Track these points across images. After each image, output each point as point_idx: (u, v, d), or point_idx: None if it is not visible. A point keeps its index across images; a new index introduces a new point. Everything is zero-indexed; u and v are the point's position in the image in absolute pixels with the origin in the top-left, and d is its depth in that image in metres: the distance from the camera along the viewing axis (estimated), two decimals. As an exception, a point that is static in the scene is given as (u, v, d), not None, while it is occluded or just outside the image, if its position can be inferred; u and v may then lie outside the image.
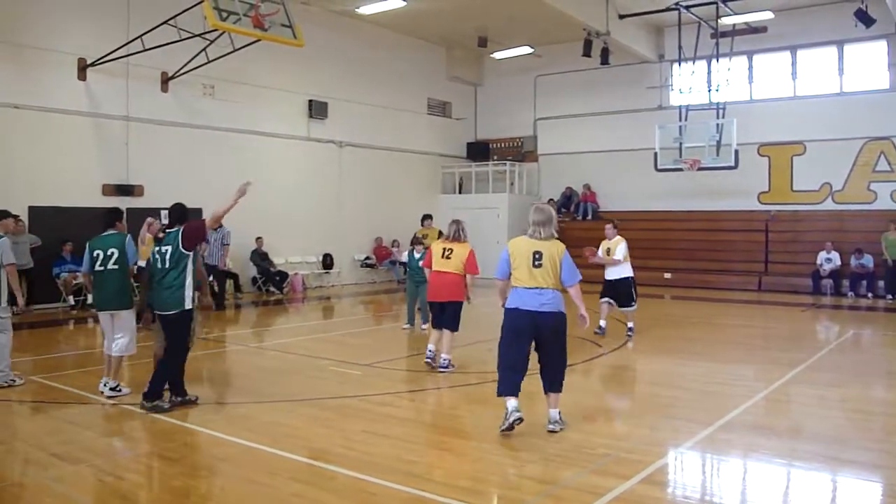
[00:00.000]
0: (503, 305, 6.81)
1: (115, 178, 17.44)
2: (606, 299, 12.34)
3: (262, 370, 9.79)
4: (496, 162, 26.96)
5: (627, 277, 12.30)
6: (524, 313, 6.57)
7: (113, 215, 8.59)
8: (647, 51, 24.12)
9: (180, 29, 15.74)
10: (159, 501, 5.24)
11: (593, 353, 11.11)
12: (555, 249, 6.68)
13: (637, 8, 21.77)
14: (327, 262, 22.26)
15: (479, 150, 27.86)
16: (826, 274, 19.91)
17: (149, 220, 11.85)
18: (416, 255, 12.47)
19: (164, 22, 15.61)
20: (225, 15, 14.67)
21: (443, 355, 9.43)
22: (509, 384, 6.61)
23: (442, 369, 9.31)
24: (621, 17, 21.92)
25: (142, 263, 11.83)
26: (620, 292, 12.28)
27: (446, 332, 9.46)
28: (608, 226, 12.72)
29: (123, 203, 17.05)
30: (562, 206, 25.92)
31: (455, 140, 27.56)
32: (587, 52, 21.65)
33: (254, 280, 19.43)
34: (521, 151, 27.53)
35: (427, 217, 15.66)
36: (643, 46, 23.85)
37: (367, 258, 23.35)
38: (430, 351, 9.69)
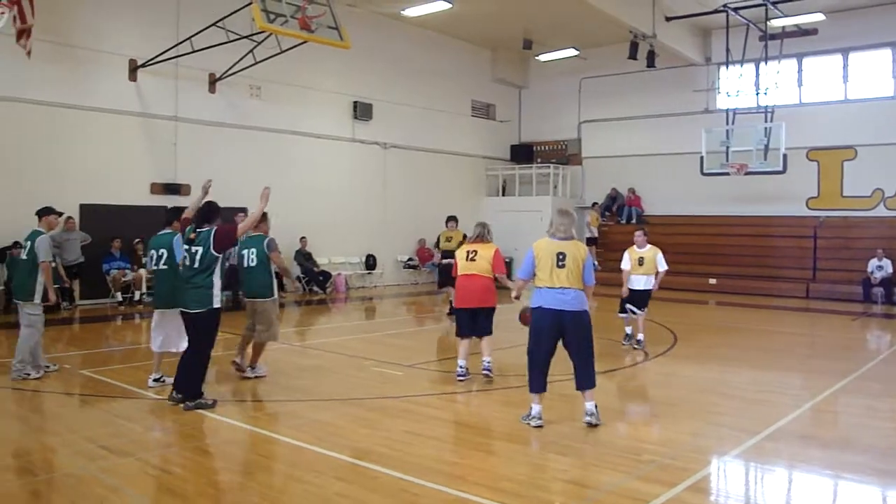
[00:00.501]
0: (515, 297, 7.37)
1: (163, 177, 17.73)
2: (629, 306, 11.74)
3: (306, 369, 9.86)
4: (540, 164, 26.86)
5: (650, 290, 11.68)
6: (548, 312, 6.82)
7: (171, 214, 8.70)
8: (694, 53, 23.87)
9: (228, 31, 15.93)
10: (205, 496, 5.30)
11: (636, 358, 11.02)
12: (578, 251, 6.93)
13: (684, 10, 21.55)
14: (370, 262, 22.37)
15: (522, 153, 27.79)
16: (877, 282, 19.51)
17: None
18: None
19: (213, 24, 15.81)
20: (272, 17, 14.82)
21: (486, 358, 9.10)
22: (537, 382, 6.91)
23: (486, 372, 8.99)
24: (668, 19, 21.71)
25: None
26: (641, 300, 11.66)
27: (485, 337, 9.09)
28: (638, 232, 11.96)
29: (171, 202, 17.24)
30: (606, 208, 25.74)
31: (499, 142, 27.54)
32: (633, 55, 21.47)
33: (297, 279, 19.58)
34: (565, 154, 27.40)
35: (451, 219, 15.17)
36: (690, 49, 23.60)
37: (410, 260, 23.41)
38: (461, 368, 9.02)
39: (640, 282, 11.61)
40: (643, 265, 11.55)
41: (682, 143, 23.55)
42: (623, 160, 25.94)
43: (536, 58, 26.34)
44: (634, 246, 11.72)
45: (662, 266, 11.59)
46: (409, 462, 5.93)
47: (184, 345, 8.01)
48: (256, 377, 9.07)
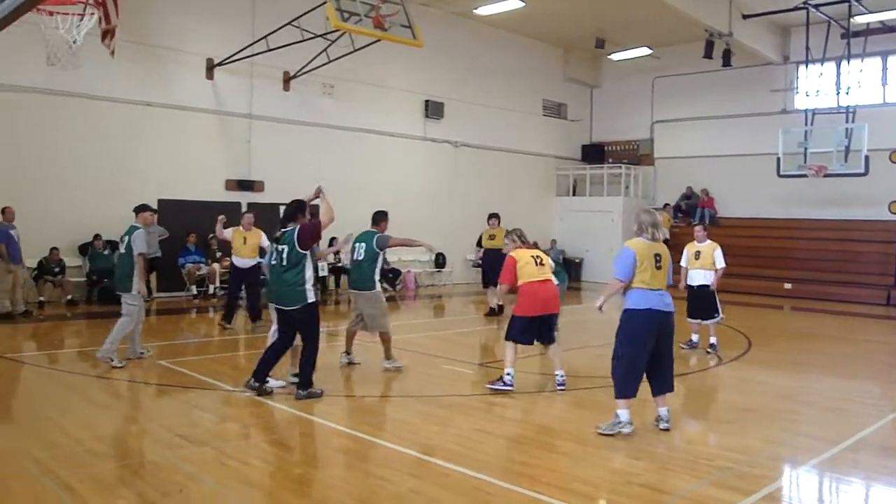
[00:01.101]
0: (600, 306, 6.89)
1: (237, 173, 18.08)
2: (690, 320, 11.49)
3: (377, 365, 9.92)
4: (611, 165, 26.56)
5: (709, 286, 11.34)
6: (656, 314, 6.63)
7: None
8: (772, 52, 23.30)
9: (303, 30, 16.15)
10: (282, 488, 5.38)
11: (710, 362, 10.81)
12: (666, 252, 6.86)
13: (762, 7, 21.05)
14: (440, 261, 22.43)
15: (594, 153, 27.53)
16: (962, 289, 18.79)
17: (221, 217, 12.31)
18: None
19: (288, 23, 16.03)
20: (346, 16, 14.96)
21: (559, 371, 8.53)
22: (633, 388, 6.68)
23: (561, 387, 8.50)
24: (745, 17, 21.26)
25: (237, 261, 12.38)
26: (701, 302, 11.37)
27: (553, 346, 8.62)
28: (698, 227, 12.01)
29: (244, 198, 17.68)
30: (677, 209, 25.34)
31: (570, 142, 27.33)
32: (709, 54, 21.06)
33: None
34: (637, 154, 27.05)
35: (493, 216, 14.84)
36: (767, 47, 23.05)
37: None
38: (511, 377, 8.34)
39: (697, 277, 11.38)
40: (699, 259, 11.36)
41: (757, 143, 23.00)
42: (696, 161, 25.48)
43: (609, 57, 26.05)
44: (694, 241, 11.62)
45: (720, 262, 11.29)
46: (481, 460, 5.92)
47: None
48: (395, 368, 9.40)
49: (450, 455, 6.05)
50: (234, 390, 8.16)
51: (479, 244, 16.20)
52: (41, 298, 14.79)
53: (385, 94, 21.00)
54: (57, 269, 15.15)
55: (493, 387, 8.28)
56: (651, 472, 5.84)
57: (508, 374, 8.29)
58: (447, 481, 5.50)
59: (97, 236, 15.75)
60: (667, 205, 25.39)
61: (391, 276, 20.00)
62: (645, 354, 6.64)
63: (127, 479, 5.41)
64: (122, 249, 9.71)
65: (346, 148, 20.05)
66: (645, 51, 24.75)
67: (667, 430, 6.77)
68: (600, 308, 6.87)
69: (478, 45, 23.25)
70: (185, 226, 16.77)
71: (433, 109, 22.18)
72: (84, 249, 15.88)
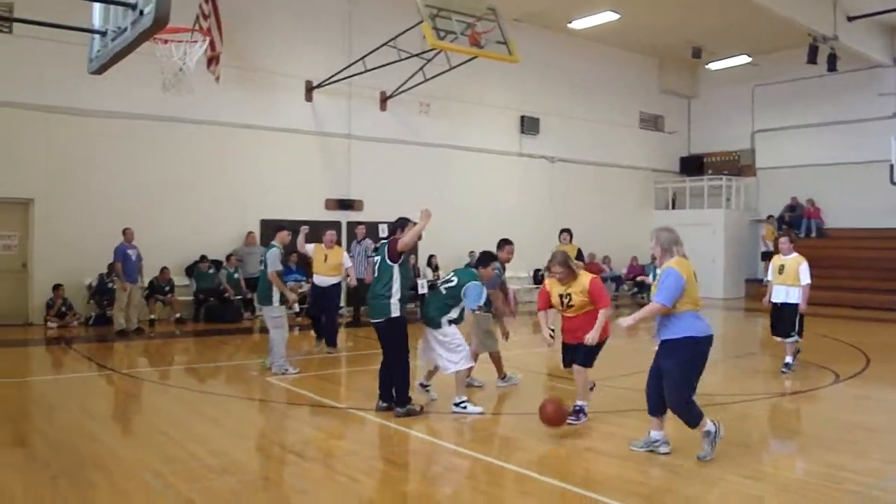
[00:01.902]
0: (628, 327, 6.33)
1: (337, 192, 18.41)
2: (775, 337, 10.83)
3: (491, 383, 9.84)
4: (711, 176, 25.90)
5: (796, 304, 10.51)
6: (710, 339, 6.26)
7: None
8: (880, 54, 22.36)
9: (399, 49, 16.33)
10: (392, 505, 5.37)
11: (825, 380, 10.34)
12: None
13: (869, 8, 20.22)
14: (538, 277, 22.26)
15: (692, 165, 26.93)
16: None
17: (304, 228, 12.38)
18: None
19: (385, 43, 16.26)
20: (443, 34, 15.09)
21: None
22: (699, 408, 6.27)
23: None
24: (850, 18, 20.48)
25: (318, 279, 12.32)
26: (784, 318, 10.59)
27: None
28: (783, 238, 11.01)
29: (344, 217, 17.96)
30: (782, 221, 24.50)
31: (668, 154, 26.83)
32: (812, 59, 20.35)
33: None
34: (737, 165, 26.31)
35: (565, 231, 13.82)
36: (875, 50, 22.14)
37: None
38: (583, 406, 7.67)
39: (780, 293, 10.61)
40: (783, 273, 10.57)
41: (867, 150, 22.10)
42: (801, 170, 24.61)
43: (706, 66, 25.53)
44: (780, 254, 10.87)
45: (805, 278, 10.45)
46: (594, 479, 5.79)
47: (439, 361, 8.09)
48: (511, 384, 9.46)
49: (563, 474, 5.92)
50: (339, 407, 8.23)
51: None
52: (152, 316, 15.35)
53: (481, 110, 21.06)
54: (167, 289, 15.69)
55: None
56: (773, 494, 5.57)
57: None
58: (561, 500, 5.38)
59: (203, 257, 16.25)
60: (770, 216, 24.60)
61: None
62: (696, 380, 6.28)
63: (242, 493, 5.48)
64: (261, 267, 10.43)
65: (443, 165, 20.18)
66: (744, 59, 24.14)
67: (667, 453, 6.37)
68: (628, 329, 6.45)
69: (572, 59, 23.11)
70: (287, 245, 17.02)
71: (529, 125, 22.13)
72: (190, 270, 16.39)
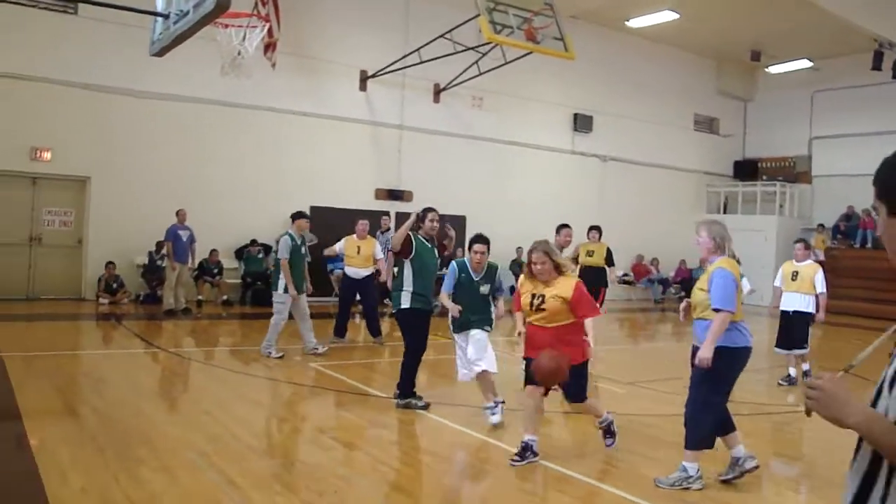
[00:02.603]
0: (708, 359, 5.41)
1: (387, 182, 18.48)
2: (777, 349, 10.28)
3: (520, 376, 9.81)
4: (765, 182, 25.43)
5: (809, 314, 9.95)
6: (748, 351, 5.67)
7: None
8: (949, 64, 21.72)
9: (455, 42, 16.32)
10: (432, 497, 5.38)
11: (787, 397, 10.08)
12: None
13: (939, 16, 19.67)
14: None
15: (746, 169, 26.47)
16: None
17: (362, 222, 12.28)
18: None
19: (440, 35, 16.25)
20: (499, 28, 15.05)
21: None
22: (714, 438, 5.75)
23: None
24: (920, 26, 19.93)
25: (350, 270, 12.09)
26: (796, 328, 9.99)
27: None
28: (798, 244, 10.35)
29: (393, 207, 18.01)
30: (837, 230, 23.99)
31: (722, 158, 26.41)
32: (877, 65, 19.84)
33: (511, 289, 19.64)
34: (793, 171, 25.79)
35: (594, 228, 12.54)
36: (944, 59, 21.51)
37: (626, 275, 22.90)
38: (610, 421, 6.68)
39: (793, 301, 10.00)
40: (796, 280, 9.99)
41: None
42: (859, 179, 23.95)
43: (765, 69, 25.06)
44: (792, 259, 10.28)
45: (821, 287, 9.90)
46: (634, 483, 5.71)
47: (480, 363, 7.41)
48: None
49: (603, 475, 5.89)
50: (381, 395, 8.26)
51: (575, 261, 14.37)
52: (200, 297, 15.60)
53: (534, 106, 20.94)
54: (216, 271, 15.90)
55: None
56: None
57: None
58: (600, 501, 5.34)
59: (253, 241, 16.44)
60: (821, 225, 24.07)
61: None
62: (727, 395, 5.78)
63: (284, 476, 5.54)
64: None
65: (494, 160, 20.12)
66: (804, 63, 23.65)
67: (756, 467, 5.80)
68: (708, 361, 5.41)
69: (628, 58, 22.84)
70: (336, 233, 17.08)
71: (582, 123, 21.97)
72: (240, 253, 16.59)
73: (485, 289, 7.47)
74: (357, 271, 11.96)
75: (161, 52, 8.22)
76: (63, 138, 15.04)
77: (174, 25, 7.51)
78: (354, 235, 12.08)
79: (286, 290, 10.20)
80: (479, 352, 7.31)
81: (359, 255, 11.90)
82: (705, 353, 5.39)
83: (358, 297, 12.18)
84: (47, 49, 14.76)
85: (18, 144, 14.76)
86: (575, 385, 6.13)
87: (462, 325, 7.39)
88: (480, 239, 7.40)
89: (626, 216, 22.59)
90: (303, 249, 10.57)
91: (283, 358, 10.10)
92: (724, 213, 25.71)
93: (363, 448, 6.36)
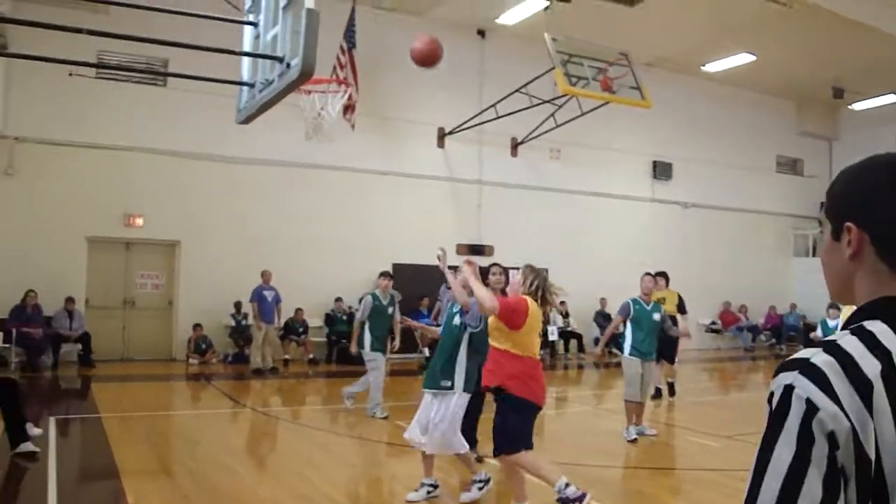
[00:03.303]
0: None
1: (467, 237, 18.55)
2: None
3: (613, 434, 9.60)
4: (855, 223, 24.57)
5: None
6: None
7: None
8: None
9: (531, 96, 16.43)
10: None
11: None
12: None
13: None
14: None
15: (834, 211, 25.64)
16: None
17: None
18: None
19: (516, 90, 16.40)
20: (574, 80, 15.12)
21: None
22: None
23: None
24: None
25: None
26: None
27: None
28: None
29: (475, 262, 17.98)
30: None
31: (807, 199, 25.63)
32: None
33: (596, 341, 19.35)
34: (884, 211, 24.89)
35: (659, 274, 11.19)
36: None
37: (713, 323, 22.37)
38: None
39: None
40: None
41: None
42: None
43: (848, 107, 24.42)
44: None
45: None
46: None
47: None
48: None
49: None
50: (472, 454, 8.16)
51: None
52: (286, 356, 15.80)
53: (612, 156, 20.83)
54: (301, 329, 16.13)
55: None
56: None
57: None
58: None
59: (338, 299, 16.66)
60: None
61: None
62: None
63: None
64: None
65: (574, 211, 20.04)
66: (891, 98, 22.98)
67: None
68: None
69: (705, 102, 22.58)
70: (418, 289, 17.29)
71: (661, 170, 21.75)
72: (329, 318, 16.78)
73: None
74: None
75: (247, 120, 8.44)
76: (154, 204, 15.64)
77: (259, 94, 7.72)
78: None
79: (373, 348, 10.26)
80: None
81: None
82: None
83: None
84: (139, 120, 15.45)
85: (113, 211, 15.41)
86: (499, 433, 5.61)
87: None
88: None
89: (710, 263, 22.14)
90: (389, 309, 10.58)
91: (387, 419, 10.00)
92: (813, 256, 24.93)
93: (455, 506, 6.28)
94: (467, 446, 6.48)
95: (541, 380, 5.65)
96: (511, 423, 5.57)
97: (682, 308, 11.80)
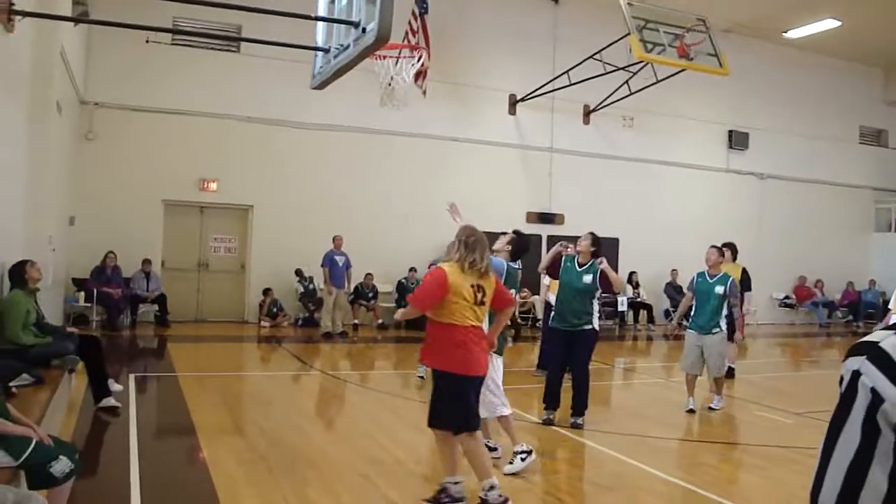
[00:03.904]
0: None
1: (538, 206, 18.44)
2: None
3: (681, 405, 9.48)
4: (942, 196, 23.68)
5: None
6: None
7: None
8: None
9: (605, 63, 16.13)
10: (596, 528, 5.24)
11: None
12: None
13: None
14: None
15: (920, 184, 24.71)
16: None
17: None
18: None
19: (589, 57, 16.12)
20: (650, 46, 14.77)
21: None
22: None
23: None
24: None
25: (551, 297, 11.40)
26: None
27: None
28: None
29: (544, 231, 17.90)
30: None
31: (892, 172, 24.73)
32: None
33: (666, 313, 19.11)
34: (973, 184, 23.92)
35: (726, 245, 10.74)
36: None
37: (787, 297, 21.85)
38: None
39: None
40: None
41: None
42: None
43: (941, 75, 23.41)
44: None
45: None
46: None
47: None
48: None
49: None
50: (536, 421, 8.17)
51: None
52: (356, 321, 15.99)
53: (686, 124, 20.37)
54: (371, 294, 16.28)
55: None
56: None
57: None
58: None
59: (412, 269, 16.73)
60: None
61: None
62: None
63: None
64: None
65: (646, 180, 19.70)
66: None
67: None
68: None
69: (785, 70, 21.84)
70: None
71: (737, 140, 21.19)
72: (400, 286, 16.84)
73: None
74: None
75: (322, 86, 8.50)
76: (228, 169, 15.90)
77: (334, 59, 7.75)
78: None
79: None
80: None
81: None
82: None
83: None
84: (214, 86, 15.69)
85: (188, 176, 15.73)
86: (431, 408, 5.38)
87: None
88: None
89: (786, 236, 21.56)
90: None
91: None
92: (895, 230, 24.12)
93: (525, 476, 6.27)
94: (510, 410, 6.46)
95: (473, 349, 5.21)
96: (441, 399, 5.29)
97: (746, 284, 10.89)
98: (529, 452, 6.30)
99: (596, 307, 8.11)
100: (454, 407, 5.18)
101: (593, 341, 8.04)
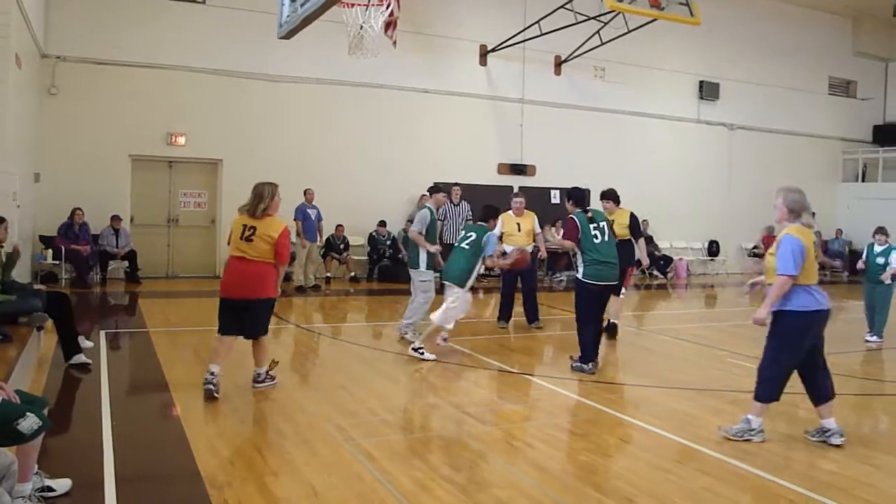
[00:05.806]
0: (764, 320, 5.93)
1: (509, 157, 18.41)
2: None
3: (654, 354, 9.63)
4: (908, 147, 23.92)
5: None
6: (824, 314, 5.87)
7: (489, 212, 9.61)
8: None
9: (576, 12, 16.04)
10: (568, 473, 5.30)
11: None
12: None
13: None
14: (713, 249, 21.52)
15: (888, 134, 24.88)
16: None
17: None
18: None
19: (561, 6, 16.02)
20: (622, -5, 14.68)
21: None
22: (779, 393, 6.04)
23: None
24: None
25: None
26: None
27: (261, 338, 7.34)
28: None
29: (516, 182, 17.92)
30: None
31: (860, 123, 24.95)
32: None
33: (637, 263, 19.17)
34: (940, 135, 24.17)
35: (608, 195, 10.51)
36: None
37: (755, 248, 22.07)
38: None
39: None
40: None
41: None
42: None
43: (909, 26, 23.50)
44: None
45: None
46: (779, 465, 5.49)
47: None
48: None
49: (743, 455, 5.67)
50: (515, 372, 8.25)
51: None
52: (328, 274, 15.98)
53: (657, 75, 20.37)
54: (342, 246, 16.24)
55: None
56: None
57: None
58: (745, 484, 5.14)
59: (382, 223, 16.69)
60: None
61: (662, 263, 19.42)
62: (798, 362, 5.96)
63: (419, 450, 5.58)
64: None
65: (617, 131, 19.73)
66: (956, 16, 22.05)
67: (839, 445, 5.90)
68: (764, 322, 5.93)
69: (756, 21, 21.86)
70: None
71: (708, 91, 21.23)
72: (371, 240, 16.81)
73: None
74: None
75: (289, 35, 8.40)
76: (196, 123, 15.68)
77: (301, 8, 7.64)
78: (511, 212, 11.23)
79: (428, 266, 9.60)
80: None
81: (520, 232, 11.03)
82: (760, 314, 5.93)
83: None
84: (178, 38, 15.39)
85: (156, 130, 15.49)
86: (252, 320, 7.10)
87: None
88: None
89: (755, 187, 21.68)
90: (438, 225, 10.24)
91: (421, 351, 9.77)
92: (863, 181, 24.42)
93: (497, 423, 6.35)
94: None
95: (225, 275, 7.19)
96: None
97: (635, 231, 10.42)
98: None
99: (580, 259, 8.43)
100: (220, 318, 7.21)
101: (575, 290, 8.59)
